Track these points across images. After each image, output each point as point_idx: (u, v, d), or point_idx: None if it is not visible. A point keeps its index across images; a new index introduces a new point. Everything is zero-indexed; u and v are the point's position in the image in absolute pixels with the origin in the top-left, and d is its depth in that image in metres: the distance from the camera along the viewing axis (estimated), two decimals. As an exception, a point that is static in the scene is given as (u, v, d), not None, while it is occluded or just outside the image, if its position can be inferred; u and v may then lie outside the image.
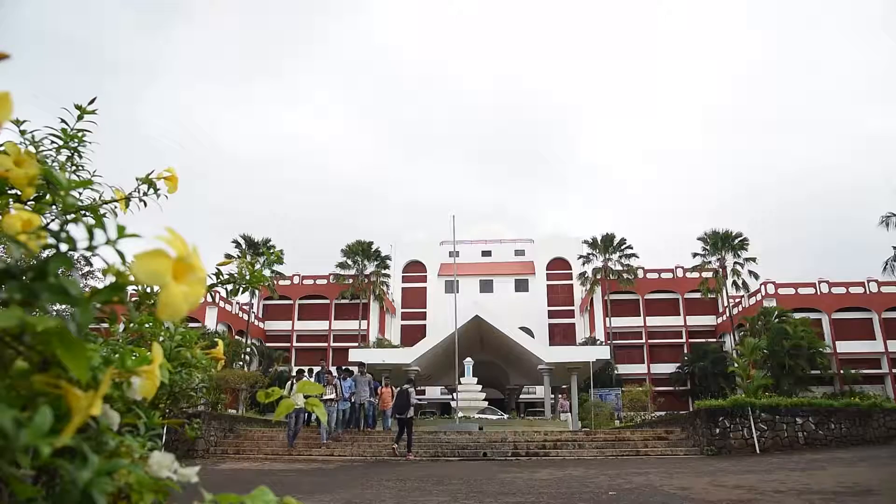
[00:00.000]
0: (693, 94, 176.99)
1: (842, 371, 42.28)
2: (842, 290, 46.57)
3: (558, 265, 61.30)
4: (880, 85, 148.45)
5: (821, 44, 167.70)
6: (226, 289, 1.86)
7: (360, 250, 52.48)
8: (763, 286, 46.07)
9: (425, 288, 61.55)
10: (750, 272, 46.19)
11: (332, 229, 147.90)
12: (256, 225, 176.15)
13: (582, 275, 53.59)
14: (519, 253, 64.33)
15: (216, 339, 1.64)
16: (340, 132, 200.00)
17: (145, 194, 1.71)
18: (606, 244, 51.75)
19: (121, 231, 0.72)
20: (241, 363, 42.02)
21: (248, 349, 45.29)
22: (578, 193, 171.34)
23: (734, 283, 47.06)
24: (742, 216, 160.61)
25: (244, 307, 50.14)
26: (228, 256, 1.86)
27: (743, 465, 11.85)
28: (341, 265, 52.71)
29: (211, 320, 44.74)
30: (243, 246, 46.25)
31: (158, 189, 1.74)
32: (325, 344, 54.32)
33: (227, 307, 48.15)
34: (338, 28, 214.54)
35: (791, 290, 46.34)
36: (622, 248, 51.62)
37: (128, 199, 1.70)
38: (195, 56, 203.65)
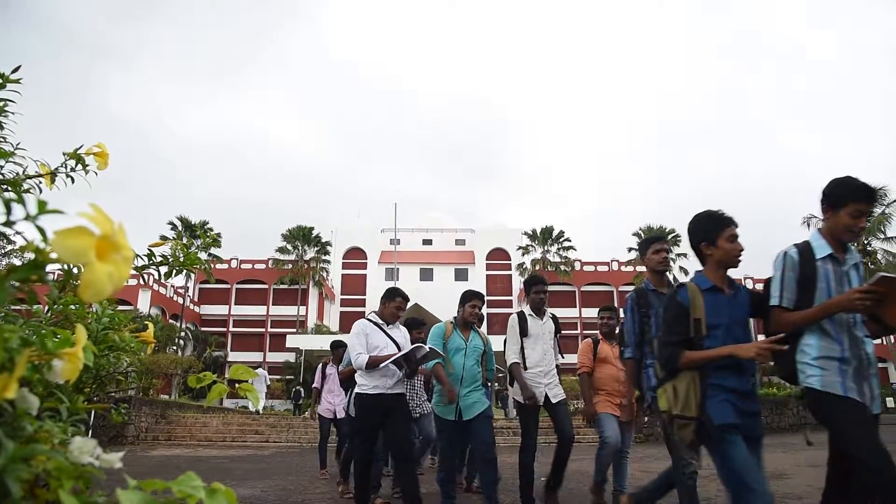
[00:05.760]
0: (635, 107, 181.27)
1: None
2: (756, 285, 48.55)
3: (498, 255, 61.90)
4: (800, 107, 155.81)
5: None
6: (159, 271, 1.79)
7: (301, 235, 51.62)
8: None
9: (365, 275, 61.12)
10: (681, 268, 47.72)
11: (284, 218, 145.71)
12: (208, 211, 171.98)
13: (521, 265, 54.29)
14: (459, 242, 64.64)
15: (146, 322, 1.58)
16: (293, 127, 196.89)
17: (73, 170, 1.64)
18: (545, 236, 52.57)
19: (41, 206, 0.68)
20: (174, 347, 40.92)
21: (183, 333, 44.07)
22: (523, 194, 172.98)
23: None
24: (681, 219, 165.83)
25: (179, 290, 48.70)
26: (163, 238, 1.81)
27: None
28: (281, 250, 51.74)
29: (144, 303, 43.29)
30: (179, 228, 44.79)
31: (87, 165, 1.67)
32: (263, 329, 53.37)
33: (162, 290, 46.66)
34: (293, 27, 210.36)
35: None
36: (560, 240, 52.57)
37: (54, 174, 1.62)
38: (158, 49, 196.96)
